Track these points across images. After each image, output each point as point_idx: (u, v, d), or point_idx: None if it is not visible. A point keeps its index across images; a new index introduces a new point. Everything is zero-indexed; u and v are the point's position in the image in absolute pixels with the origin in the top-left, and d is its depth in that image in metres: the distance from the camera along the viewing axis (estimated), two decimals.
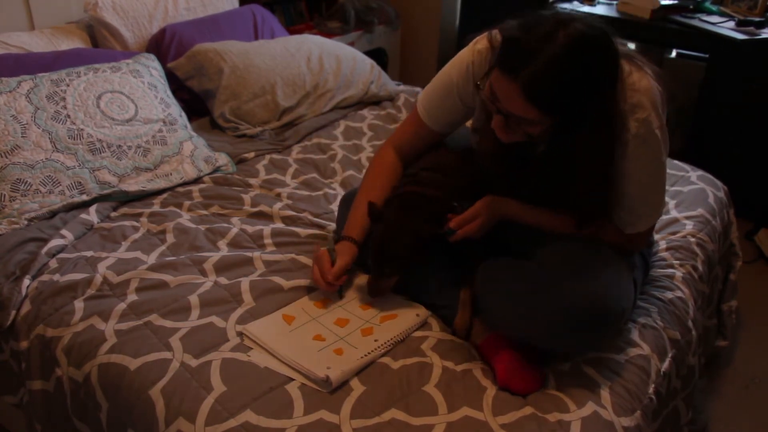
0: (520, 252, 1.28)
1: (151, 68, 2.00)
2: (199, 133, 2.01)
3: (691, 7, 2.82)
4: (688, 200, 1.76)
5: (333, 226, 1.59)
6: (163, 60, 2.16)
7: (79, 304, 1.28)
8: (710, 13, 2.80)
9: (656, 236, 1.60)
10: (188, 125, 1.97)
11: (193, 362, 1.15)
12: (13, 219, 1.52)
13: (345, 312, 1.30)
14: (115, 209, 1.65)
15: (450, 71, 1.33)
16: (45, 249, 1.42)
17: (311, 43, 2.37)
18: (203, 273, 1.39)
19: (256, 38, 2.48)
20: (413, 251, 1.26)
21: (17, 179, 1.57)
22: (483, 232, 1.26)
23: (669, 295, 1.40)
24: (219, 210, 1.65)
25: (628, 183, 1.18)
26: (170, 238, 1.51)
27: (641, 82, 1.11)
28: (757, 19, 2.64)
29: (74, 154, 1.65)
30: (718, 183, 1.90)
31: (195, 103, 2.19)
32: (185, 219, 1.59)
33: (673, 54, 3.15)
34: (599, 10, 2.96)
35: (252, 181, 1.80)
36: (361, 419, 1.05)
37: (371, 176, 1.42)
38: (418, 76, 3.73)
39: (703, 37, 2.62)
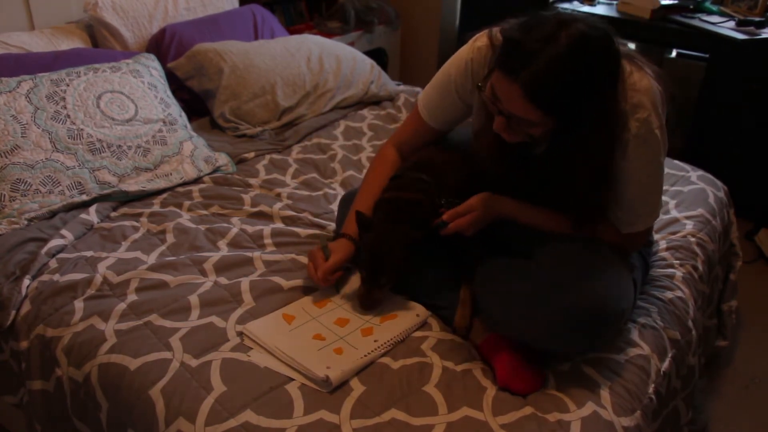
0: (520, 251, 1.27)
1: (151, 68, 2.00)
2: (199, 133, 2.01)
3: (691, 7, 2.82)
4: (688, 200, 1.76)
5: (333, 226, 1.59)
6: (163, 60, 2.16)
7: (79, 304, 1.28)
8: (710, 13, 2.80)
9: (656, 236, 1.60)
10: (188, 125, 1.97)
11: (193, 362, 1.15)
12: (13, 219, 1.52)
13: (345, 312, 1.30)
14: (115, 209, 1.65)
15: (449, 69, 1.33)
16: (45, 249, 1.42)
17: (311, 43, 2.37)
18: (203, 273, 1.39)
19: (256, 38, 2.48)
20: (406, 259, 1.26)
21: (17, 179, 1.57)
22: (476, 228, 1.25)
23: (669, 295, 1.40)
24: (219, 210, 1.65)
25: (627, 183, 1.18)
26: (170, 238, 1.51)
27: (642, 82, 1.11)
28: (757, 19, 2.64)
29: (74, 154, 1.65)
30: (718, 183, 1.90)
31: (195, 103, 2.19)
32: (185, 219, 1.59)
33: (673, 54, 3.16)
34: (599, 10, 2.96)
35: (252, 181, 1.80)
36: (361, 419, 1.05)
37: (372, 174, 1.42)
38: (418, 76, 3.73)
39: (703, 37, 2.62)
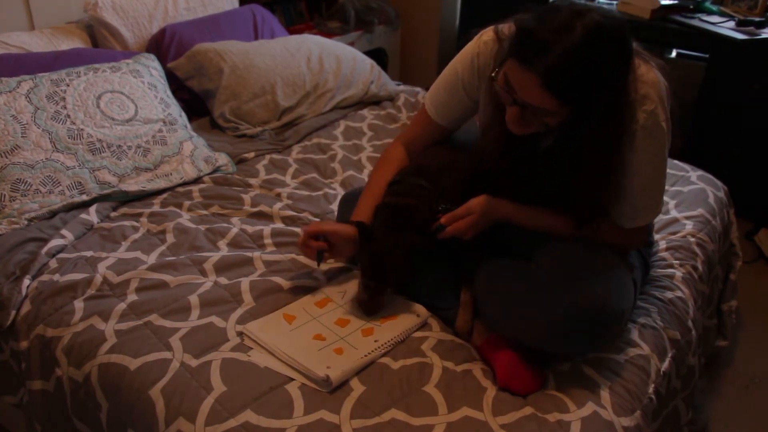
0: (520, 253, 1.27)
1: (151, 68, 2.00)
2: (199, 133, 2.01)
3: (691, 7, 2.82)
4: (688, 200, 1.76)
5: None
6: (163, 60, 2.16)
7: (79, 304, 1.28)
8: (710, 13, 2.80)
9: (656, 236, 1.60)
10: (188, 125, 1.97)
11: (193, 362, 1.15)
12: (13, 219, 1.52)
13: (346, 312, 1.30)
14: (115, 209, 1.65)
15: (456, 65, 1.34)
16: (45, 249, 1.42)
17: (311, 43, 2.37)
18: (203, 273, 1.39)
19: (256, 38, 2.48)
20: (407, 264, 1.26)
21: (17, 179, 1.57)
22: (474, 231, 1.24)
23: (669, 295, 1.40)
24: (219, 210, 1.65)
25: (632, 175, 1.17)
26: (170, 238, 1.51)
27: (648, 75, 1.12)
28: (757, 19, 2.64)
29: (74, 154, 1.65)
30: (718, 183, 1.90)
31: (195, 103, 2.19)
32: (185, 219, 1.59)
33: (673, 54, 3.16)
34: None
35: (252, 181, 1.80)
36: (361, 419, 1.05)
37: (378, 173, 1.41)
38: (418, 76, 3.73)
39: (703, 37, 2.62)
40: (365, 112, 2.32)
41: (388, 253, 1.24)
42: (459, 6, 3.58)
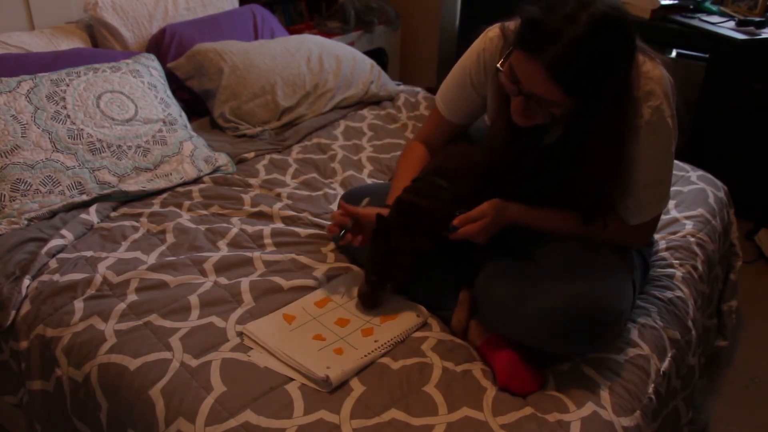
0: (521, 253, 1.27)
1: (151, 68, 2.00)
2: (199, 133, 2.01)
3: (691, 7, 2.81)
4: (688, 200, 1.76)
5: None
6: (163, 60, 2.16)
7: (78, 304, 1.28)
8: (710, 13, 2.80)
9: (656, 236, 1.60)
10: (188, 125, 1.97)
11: (193, 362, 1.15)
12: (13, 219, 1.52)
13: (346, 312, 1.30)
14: (115, 209, 1.65)
15: (463, 62, 1.35)
16: (45, 249, 1.42)
17: (311, 43, 2.37)
18: (203, 273, 1.39)
19: (256, 38, 2.48)
20: (412, 266, 1.26)
21: (17, 179, 1.57)
22: (486, 235, 1.24)
23: (669, 294, 1.40)
24: (219, 210, 1.65)
25: (638, 171, 1.18)
26: (170, 238, 1.51)
27: (654, 71, 1.13)
28: (757, 19, 2.64)
29: (74, 154, 1.65)
30: (718, 183, 1.90)
31: (195, 103, 2.19)
32: (185, 219, 1.59)
33: (673, 54, 3.15)
34: None
35: (252, 181, 1.80)
36: (361, 419, 1.05)
37: (403, 167, 1.43)
38: (418, 76, 3.73)
39: (703, 37, 2.62)
40: (365, 112, 2.32)
41: (396, 252, 1.24)
42: (459, 6, 3.58)
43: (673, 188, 1.81)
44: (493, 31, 1.29)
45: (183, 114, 1.98)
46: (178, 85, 2.16)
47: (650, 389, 1.17)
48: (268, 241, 1.52)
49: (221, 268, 1.40)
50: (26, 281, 1.34)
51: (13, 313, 1.31)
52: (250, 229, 1.56)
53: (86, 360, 1.19)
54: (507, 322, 1.19)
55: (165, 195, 1.71)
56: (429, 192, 1.27)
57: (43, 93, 1.71)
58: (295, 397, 1.08)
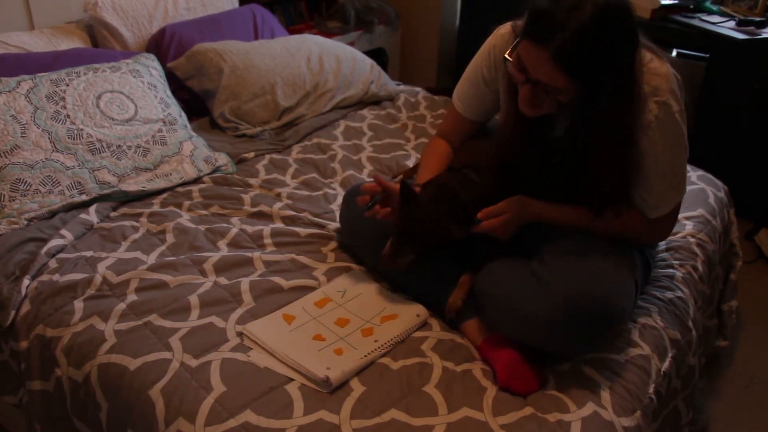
0: (527, 249, 1.27)
1: (151, 68, 2.00)
2: (199, 133, 2.01)
3: (692, 6, 2.81)
4: (688, 200, 1.76)
5: (333, 225, 1.59)
6: (163, 60, 2.16)
7: (78, 304, 1.28)
8: (710, 12, 2.80)
9: None
10: (188, 125, 1.97)
11: (193, 362, 1.14)
12: (12, 219, 1.52)
13: (345, 312, 1.30)
14: (114, 209, 1.65)
15: (476, 59, 1.40)
16: (45, 249, 1.42)
17: (311, 43, 2.37)
18: (203, 273, 1.39)
19: (256, 38, 2.48)
20: (433, 240, 1.26)
21: (17, 179, 1.57)
22: (507, 231, 1.26)
23: (669, 295, 1.39)
24: (219, 210, 1.65)
25: (651, 165, 1.20)
26: (170, 238, 1.51)
27: (661, 68, 1.16)
28: (758, 18, 2.64)
29: (74, 154, 1.65)
30: (719, 183, 1.90)
31: (195, 103, 2.19)
32: (185, 219, 1.59)
33: (673, 54, 3.15)
34: None
35: (252, 181, 1.80)
36: (361, 419, 1.05)
37: (427, 159, 1.47)
38: (418, 76, 3.73)
39: (704, 37, 2.62)
40: (365, 112, 2.32)
41: (420, 221, 1.24)
42: (459, 6, 3.58)
43: None
44: (504, 28, 1.33)
45: (183, 114, 1.98)
46: (178, 85, 2.16)
47: (651, 389, 1.17)
48: (268, 241, 1.52)
49: (221, 268, 1.40)
50: (26, 281, 1.34)
51: (13, 313, 1.31)
52: (250, 229, 1.56)
53: (86, 360, 1.19)
54: (508, 322, 1.19)
55: (165, 195, 1.71)
56: (463, 182, 1.30)
57: (43, 93, 1.71)
58: (295, 398, 1.08)
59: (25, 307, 1.31)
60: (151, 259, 1.43)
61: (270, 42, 2.33)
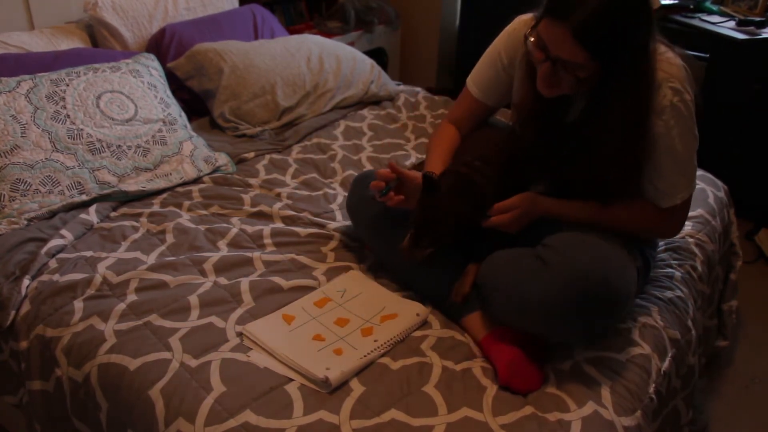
0: (533, 241, 1.27)
1: (151, 68, 2.00)
2: (199, 133, 2.01)
3: (692, 6, 2.81)
4: None
5: (333, 225, 1.59)
6: (162, 60, 2.16)
7: (78, 304, 1.28)
8: (710, 12, 2.80)
9: None
10: (188, 125, 1.97)
11: (193, 362, 1.14)
12: (12, 219, 1.52)
13: (345, 311, 1.30)
14: (114, 209, 1.65)
15: (495, 43, 1.42)
16: (45, 249, 1.42)
17: (311, 43, 2.37)
18: (203, 273, 1.39)
19: (256, 38, 2.48)
20: (452, 230, 1.26)
21: (17, 179, 1.57)
22: (517, 225, 1.27)
23: (669, 294, 1.39)
24: (219, 210, 1.65)
25: (663, 151, 1.21)
26: (170, 238, 1.51)
27: (675, 60, 1.18)
28: (758, 18, 2.63)
29: (74, 154, 1.65)
30: (719, 183, 1.90)
31: (195, 103, 2.19)
32: (185, 219, 1.59)
33: None
34: None
35: (252, 181, 1.80)
36: (360, 419, 1.05)
37: (436, 143, 1.48)
38: (418, 76, 3.73)
39: (704, 37, 2.62)
40: (365, 112, 2.32)
41: (439, 211, 1.24)
42: (459, 6, 3.58)
43: None
44: (525, 16, 1.36)
45: (183, 114, 1.98)
46: (178, 85, 2.16)
47: (651, 389, 1.17)
48: (268, 241, 1.52)
49: (221, 268, 1.40)
50: (26, 281, 1.34)
51: (13, 313, 1.30)
52: (250, 229, 1.56)
53: (86, 360, 1.19)
54: (511, 306, 1.18)
55: (165, 195, 1.71)
56: (482, 172, 1.31)
57: (43, 93, 1.71)
58: (295, 398, 1.08)
59: (25, 307, 1.31)
60: (151, 259, 1.43)
61: (270, 42, 2.33)
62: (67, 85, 1.75)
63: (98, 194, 1.64)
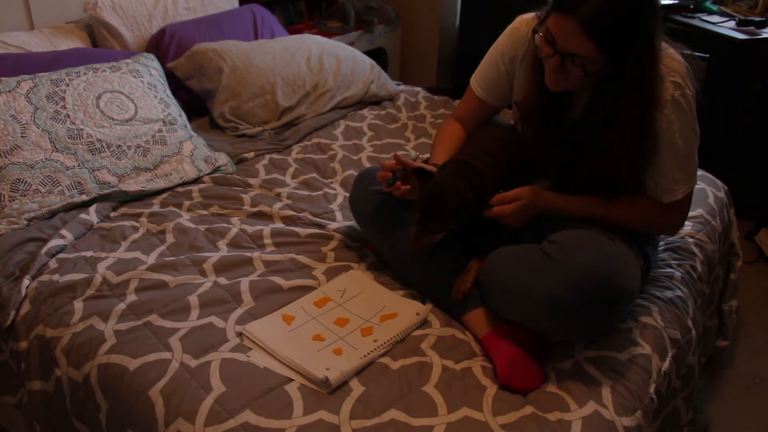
0: (536, 238, 1.27)
1: (151, 68, 2.00)
2: (199, 132, 2.01)
3: (692, 6, 2.81)
4: None
5: (333, 225, 1.59)
6: (162, 60, 2.16)
7: (78, 305, 1.28)
8: (711, 12, 2.80)
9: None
10: (188, 125, 1.96)
11: (193, 362, 1.14)
12: (12, 219, 1.51)
13: (345, 311, 1.30)
14: (114, 209, 1.65)
15: (497, 42, 1.43)
16: (44, 249, 1.42)
17: (311, 42, 2.37)
18: (203, 273, 1.39)
19: (256, 38, 2.48)
20: (455, 213, 1.26)
21: (17, 179, 1.56)
22: (518, 219, 1.27)
23: (669, 294, 1.39)
24: (219, 210, 1.65)
25: (665, 147, 1.21)
26: (170, 238, 1.51)
27: (676, 57, 1.20)
28: (758, 18, 2.63)
29: (74, 154, 1.65)
30: (719, 183, 1.90)
31: (195, 102, 2.19)
32: (185, 219, 1.59)
33: None
34: None
35: (252, 181, 1.80)
36: (360, 419, 1.05)
37: (442, 138, 1.49)
38: (418, 76, 3.73)
39: (704, 37, 2.62)
40: (365, 111, 2.32)
41: (441, 193, 1.25)
42: (459, 6, 3.57)
43: None
44: (527, 15, 1.37)
45: (183, 114, 1.98)
46: (177, 85, 2.16)
47: (651, 389, 1.17)
48: (267, 241, 1.52)
49: (221, 268, 1.40)
50: (26, 281, 1.34)
51: (13, 313, 1.30)
52: (249, 229, 1.56)
53: (86, 360, 1.18)
54: (514, 300, 1.18)
55: (165, 195, 1.71)
56: (483, 160, 1.32)
57: (43, 93, 1.71)
58: (295, 398, 1.08)
59: (25, 308, 1.31)
60: (151, 259, 1.43)
61: (270, 42, 2.33)
62: (67, 85, 1.75)
63: (98, 194, 1.63)
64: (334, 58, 2.34)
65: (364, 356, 1.17)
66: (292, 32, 2.73)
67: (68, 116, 1.70)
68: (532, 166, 1.37)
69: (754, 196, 2.57)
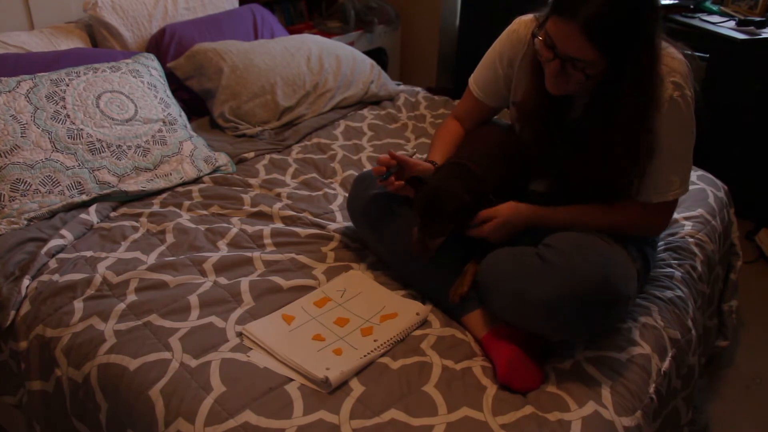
0: (532, 242, 1.27)
1: (151, 68, 2.00)
2: (199, 132, 2.01)
3: (692, 6, 2.81)
4: (688, 200, 1.76)
5: (333, 225, 1.59)
6: (162, 60, 2.16)
7: (78, 305, 1.28)
8: (711, 12, 2.80)
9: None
10: (188, 125, 1.96)
11: (193, 362, 1.14)
12: (12, 219, 1.51)
13: (345, 311, 1.30)
14: (114, 209, 1.65)
15: (495, 44, 1.43)
16: (44, 249, 1.42)
17: (311, 42, 2.37)
18: (203, 273, 1.39)
19: (256, 38, 2.48)
20: (454, 216, 1.26)
21: (17, 179, 1.56)
22: (499, 235, 1.27)
23: (669, 294, 1.39)
24: (219, 210, 1.65)
25: (660, 147, 1.21)
26: (170, 238, 1.51)
27: (676, 56, 1.19)
28: (758, 18, 2.63)
29: (74, 154, 1.65)
30: (718, 183, 1.90)
31: (195, 102, 2.19)
32: (185, 219, 1.59)
33: None
34: None
35: (252, 181, 1.80)
36: (360, 419, 1.05)
37: (441, 137, 1.50)
38: (418, 76, 3.73)
39: (704, 37, 2.62)
40: (365, 111, 2.32)
41: (438, 197, 1.25)
42: (459, 6, 3.57)
43: None
44: (525, 17, 1.37)
45: (183, 114, 1.98)
46: (177, 85, 2.16)
47: (651, 389, 1.17)
48: (267, 241, 1.52)
49: (221, 268, 1.40)
50: (26, 281, 1.34)
51: (13, 313, 1.30)
52: (249, 229, 1.56)
53: (86, 360, 1.18)
54: (512, 304, 1.18)
55: (165, 195, 1.71)
56: (479, 162, 1.32)
57: (43, 93, 1.71)
58: (295, 398, 1.08)
59: (25, 308, 1.31)
60: (151, 259, 1.43)
61: (270, 42, 2.33)
62: (67, 85, 1.75)
63: (98, 194, 1.63)
64: (334, 58, 2.34)
65: (364, 356, 1.17)
66: (292, 32, 2.73)
67: (68, 116, 1.70)
68: (531, 167, 1.37)
69: (754, 196, 2.57)
